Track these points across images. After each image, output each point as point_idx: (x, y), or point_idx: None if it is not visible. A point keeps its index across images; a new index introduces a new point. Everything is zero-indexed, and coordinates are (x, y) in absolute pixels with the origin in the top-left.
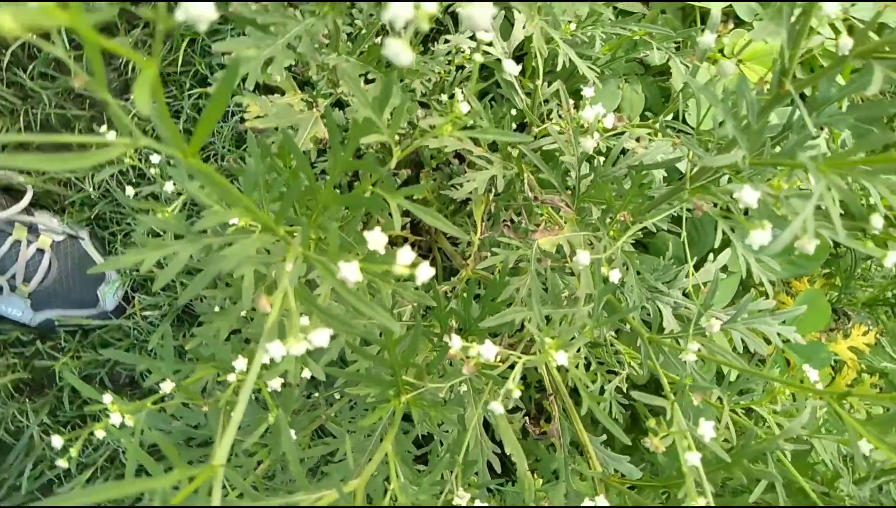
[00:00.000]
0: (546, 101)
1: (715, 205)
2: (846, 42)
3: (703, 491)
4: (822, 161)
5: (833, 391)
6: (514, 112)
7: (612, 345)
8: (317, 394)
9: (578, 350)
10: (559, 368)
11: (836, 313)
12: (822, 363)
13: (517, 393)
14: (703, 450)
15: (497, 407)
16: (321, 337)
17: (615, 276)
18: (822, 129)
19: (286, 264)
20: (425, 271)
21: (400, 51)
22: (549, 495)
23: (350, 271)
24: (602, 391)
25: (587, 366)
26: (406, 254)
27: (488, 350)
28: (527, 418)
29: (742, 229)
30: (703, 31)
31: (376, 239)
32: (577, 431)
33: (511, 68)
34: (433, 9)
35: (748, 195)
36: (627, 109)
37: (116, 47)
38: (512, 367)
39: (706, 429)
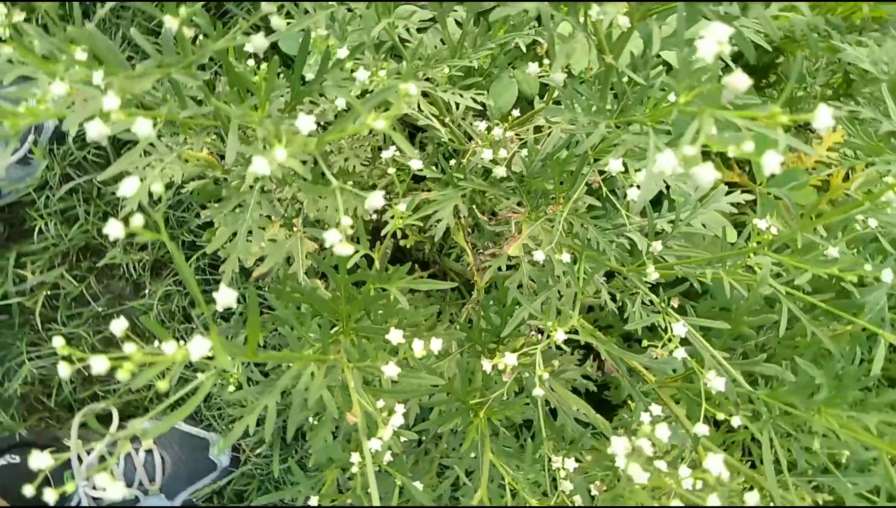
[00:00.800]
0: (464, 117)
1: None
2: (623, 20)
3: (717, 361)
4: (647, 116)
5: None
6: (443, 140)
7: (619, 274)
8: (424, 438)
9: (598, 293)
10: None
11: (801, 128)
12: (802, 186)
13: (546, 375)
14: (713, 335)
15: (538, 392)
16: (399, 418)
17: (566, 258)
18: None
19: (349, 380)
20: (436, 344)
21: (343, 250)
22: (634, 417)
23: (391, 370)
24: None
25: (613, 298)
26: (418, 343)
27: (510, 359)
28: (597, 360)
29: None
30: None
31: (395, 336)
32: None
33: (416, 165)
34: (349, 222)
35: (613, 165)
36: (527, 89)
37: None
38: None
39: (678, 329)
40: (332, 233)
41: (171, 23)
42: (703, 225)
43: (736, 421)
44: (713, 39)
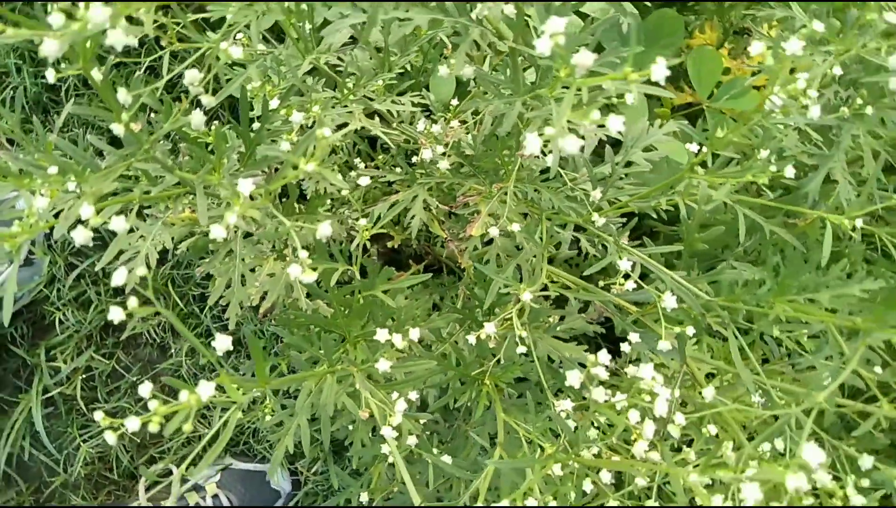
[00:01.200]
0: (412, 120)
1: None
2: (509, 8)
3: (676, 281)
4: (547, 89)
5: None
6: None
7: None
8: (456, 416)
9: (580, 252)
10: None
11: (740, 35)
12: (744, 92)
13: (525, 333)
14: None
15: (521, 349)
16: (402, 403)
17: (516, 227)
18: None
19: (359, 386)
20: (415, 334)
21: (307, 278)
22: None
23: (383, 365)
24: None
25: (593, 245)
26: (398, 338)
27: (489, 328)
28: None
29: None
30: None
31: (382, 335)
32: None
33: (364, 182)
34: (306, 254)
35: (530, 138)
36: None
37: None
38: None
39: (623, 264)
40: (293, 267)
41: (118, 129)
42: (648, 161)
43: (690, 330)
44: (548, 35)
